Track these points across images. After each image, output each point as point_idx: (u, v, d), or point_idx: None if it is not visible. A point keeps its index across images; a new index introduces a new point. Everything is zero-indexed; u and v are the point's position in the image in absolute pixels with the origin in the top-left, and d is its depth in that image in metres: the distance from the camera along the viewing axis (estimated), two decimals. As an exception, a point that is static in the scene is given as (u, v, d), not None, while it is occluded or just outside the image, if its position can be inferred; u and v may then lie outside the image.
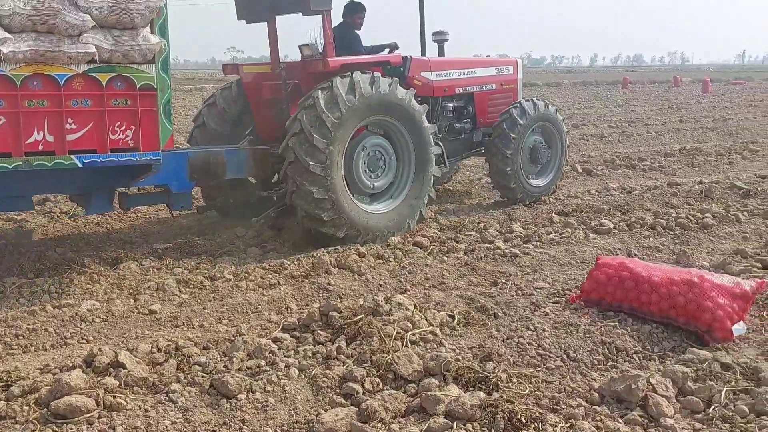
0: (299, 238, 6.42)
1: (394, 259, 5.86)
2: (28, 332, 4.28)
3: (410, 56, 7.45)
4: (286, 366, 3.65)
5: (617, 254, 5.97)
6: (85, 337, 4.29)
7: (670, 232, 6.70)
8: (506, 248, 6.07)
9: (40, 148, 4.70)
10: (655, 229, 6.76)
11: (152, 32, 4.99)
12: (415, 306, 4.45)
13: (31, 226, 6.93)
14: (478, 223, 7.15)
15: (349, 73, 6.24)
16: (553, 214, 7.38)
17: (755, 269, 5.39)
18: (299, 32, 7.47)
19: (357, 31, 7.42)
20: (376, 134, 6.64)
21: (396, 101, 6.49)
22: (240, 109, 7.24)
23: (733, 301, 4.13)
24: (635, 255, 5.97)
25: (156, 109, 5.07)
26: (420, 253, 6.04)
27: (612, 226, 6.84)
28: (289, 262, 5.61)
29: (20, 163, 4.63)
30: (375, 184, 6.62)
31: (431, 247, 6.24)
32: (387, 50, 7.71)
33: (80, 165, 4.87)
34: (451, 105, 8.02)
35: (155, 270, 5.52)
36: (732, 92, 33.93)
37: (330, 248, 6.04)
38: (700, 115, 20.50)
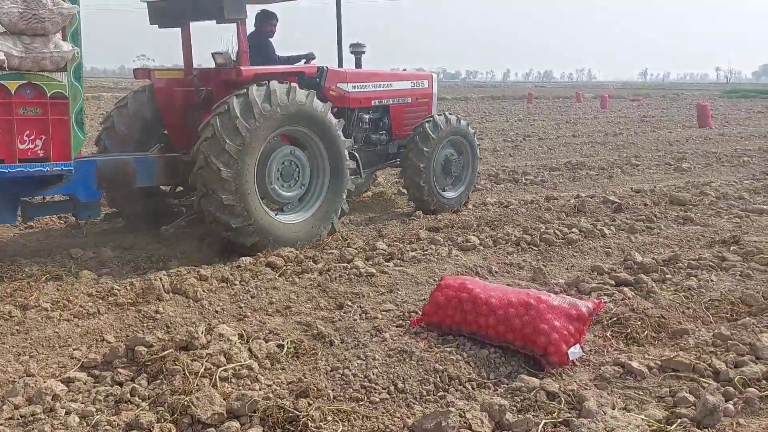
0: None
1: (240, 281, 5.41)
2: None
3: (326, 67, 7.45)
4: (66, 413, 3.20)
5: (477, 272, 5.80)
6: None
7: (534, 248, 6.58)
8: (364, 267, 5.72)
9: None
10: (519, 245, 6.62)
11: (64, 39, 4.91)
12: (240, 336, 4.09)
13: None
14: (344, 239, 6.79)
15: (266, 81, 6.23)
16: (421, 230, 7.16)
17: (607, 287, 5.29)
18: (213, 39, 7.27)
19: (270, 39, 7.48)
20: (290, 144, 6.62)
21: (312, 113, 6.50)
22: (151, 114, 7.06)
23: (570, 323, 3.95)
24: (495, 272, 5.84)
25: (68, 118, 5.02)
26: (271, 274, 5.63)
27: (478, 242, 6.65)
28: (119, 287, 5.09)
29: None
30: (287, 194, 6.61)
31: (285, 267, 5.83)
32: (303, 60, 7.72)
33: None
34: (367, 117, 8.06)
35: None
36: (629, 108, 35.32)
37: (168, 270, 5.58)
38: (594, 130, 21.06)
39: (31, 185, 5.25)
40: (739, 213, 8.14)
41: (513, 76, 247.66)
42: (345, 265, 5.85)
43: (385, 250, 6.34)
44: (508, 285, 4.94)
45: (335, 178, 6.83)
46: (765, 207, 8.37)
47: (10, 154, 4.78)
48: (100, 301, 4.87)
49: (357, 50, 8.17)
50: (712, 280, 5.40)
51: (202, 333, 3.96)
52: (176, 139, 7.02)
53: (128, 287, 5.12)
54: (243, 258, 5.94)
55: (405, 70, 10.50)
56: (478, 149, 8.86)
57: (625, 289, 5.17)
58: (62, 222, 7.47)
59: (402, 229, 7.34)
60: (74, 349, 4.07)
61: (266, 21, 7.50)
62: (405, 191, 8.49)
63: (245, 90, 6.08)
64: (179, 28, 7.10)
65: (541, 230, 7.02)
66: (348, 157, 6.92)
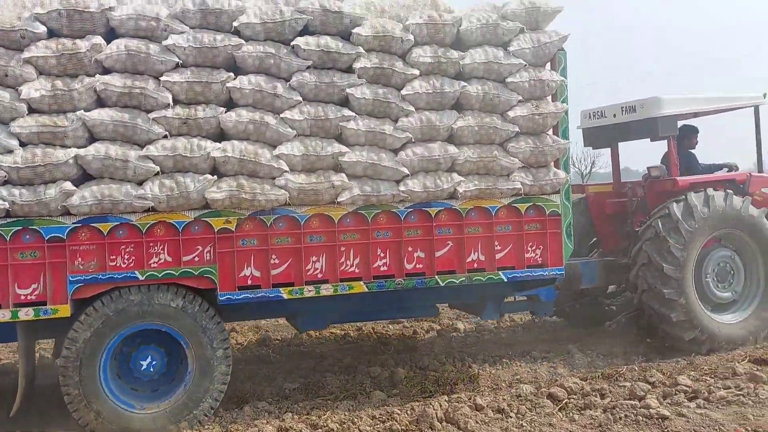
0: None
1: (516, 413, 5.24)
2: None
3: (750, 173, 7.78)
4: None
5: None
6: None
7: None
8: (657, 407, 5.11)
9: (475, 266, 5.84)
10: None
11: (557, 167, 6.10)
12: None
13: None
14: (644, 371, 6.16)
15: (703, 189, 6.95)
16: (743, 362, 6.28)
17: None
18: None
19: (692, 150, 7.98)
20: (726, 247, 7.21)
21: (747, 217, 7.04)
22: (584, 223, 7.90)
23: None
24: None
25: (560, 231, 6.07)
26: (550, 407, 5.33)
27: None
28: (399, 411, 5.31)
29: (464, 278, 5.81)
30: (723, 294, 7.11)
31: (567, 400, 5.48)
32: (725, 169, 8.05)
33: (505, 279, 5.94)
34: None
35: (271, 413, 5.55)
36: None
37: (446, 397, 5.65)
38: None
39: (514, 287, 6.30)
40: None
41: None
42: (634, 402, 5.29)
43: (688, 386, 5.63)
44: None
45: None
46: None
47: (520, 261, 5.96)
48: (381, 425, 5.11)
49: None
50: None
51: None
52: (606, 244, 7.97)
53: (408, 412, 5.29)
54: (524, 386, 5.81)
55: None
56: None
57: None
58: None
59: (718, 359, 6.58)
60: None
61: (691, 134, 8.00)
62: None
63: (684, 196, 6.87)
64: (609, 148, 8.33)
65: None
66: None
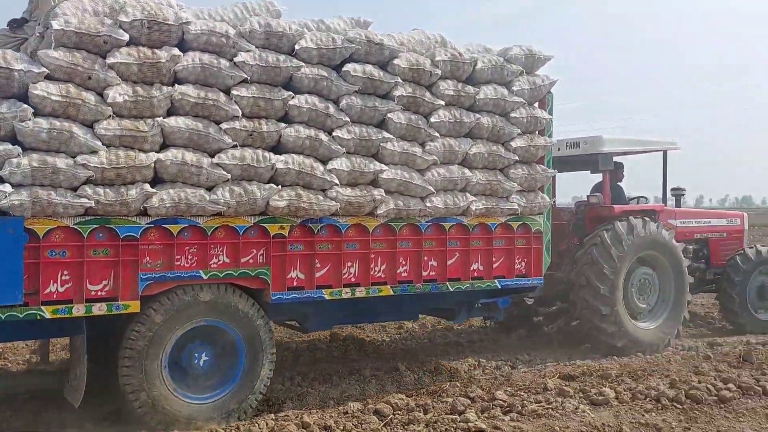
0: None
1: (341, 430, 5.26)
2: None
3: (662, 205, 9.31)
4: None
5: None
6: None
7: (678, 407, 5.86)
8: (475, 421, 5.32)
9: (475, 274, 6.73)
10: (659, 401, 5.93)
11: (543, 192, 7.13)
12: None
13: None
14: (466, 387, 6.44)
15: (626, 217, 8.20)
16: (553, 378, 6.74)
17: None
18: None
19: (620, 183, 9.34)
20: (646, 265, 8.48)
21: (661, 239, 8.35)
22: None
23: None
24: None
25: (542, 246, 7.10)
26: (375, 423, 5.35)
27: (613, 395, 6.05)
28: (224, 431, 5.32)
29: (468, 285, 6.65)
30: (641, 305, 8.40)
31: (392, 416, 5.56)
32: (638, 200, 9.64)
33: (500, 287, 6.88)
34: (690, 247, 9.52)
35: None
36: None
37: (272, 415, 5.62)
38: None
39: (485, 294, 7.09)
40: None
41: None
42: (455, 417, 5.49)
43: (504, 401, 5.91)
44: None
45: (679, 292, 8.54)
46: None
47: (510, 271, 6.90)
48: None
49: (678, 193, 9.84)
50: None
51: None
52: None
53: (234, 430, 5.30)
54: (352, 404, 5.88)
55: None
56: None
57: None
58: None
59: (532, 375, 7.01)
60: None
61: (619, 170, 9.33)
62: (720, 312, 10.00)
63: (612, 225, 8.11)
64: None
65: (692, 383, 6.35)
66: (687, 273, 8.62)
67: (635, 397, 6.07)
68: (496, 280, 6.85)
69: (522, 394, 6.20)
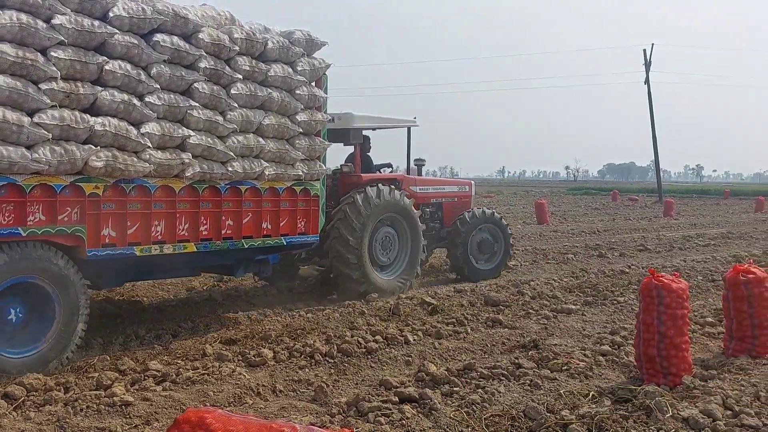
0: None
1: None
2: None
3: (404, 174, 10.96)
4: None
5: (259, 392, 5.23)
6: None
7: (330, 361, 6.09)
8: (122, 395, 4.96)
9: (265, 233, 7.54)
10: (313, 357, 6.11)
11: (320, 161, 8.18)
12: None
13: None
14: (117, 360, 5.95)
15: (376, 184, 9.51)
16: (213, 344, 6.54)
17: (389, 405, 4.85)
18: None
19: (369, 154, 10.63)
20: (389, 226, 9.84)
21: (402, 204, 9.78)
22: None
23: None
24: (280, 392, 5.29)
25: (318, 209, 8.23)
26: (3, 408, 4.78)
27: (271, 356, 6.10)
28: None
29: (260, 242, 7.52)
30: (383, 258, 9.69)
31: (25, 398, 5.00)
32: (389, 169, 11.19)
33: (285, 243, 7.82)
34: (428, 210, 11.30)
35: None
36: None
37: None
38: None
39: (261, 252, 7.88)
40: (547, 314, 8.06)
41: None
42: (99, 393, 5.06)
43: (158, 371, 5.61)
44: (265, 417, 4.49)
45: (414, 249, 10.03)
46: (573, 307, 8.46)
47: (294, 230, 7.94)
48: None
49: (419, 163, 11.52)
50: (499, 392, 5.17)
51: None
52: None
53: None
54: None
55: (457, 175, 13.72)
56: (510, 235, 11.74)
57: (407, 407, 4.81)
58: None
59: (192, 342, 6.71)
60: None
61: (367, 142, 10.59)
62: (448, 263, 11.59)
63: (364, 189, 9.36)
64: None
65: (345, 338, 6.65)
66: (422, 235, 10.14)
67: (292, 356, 6.17)
68: (282, 237, 7.76)
69: (179, 362, 5.99)
